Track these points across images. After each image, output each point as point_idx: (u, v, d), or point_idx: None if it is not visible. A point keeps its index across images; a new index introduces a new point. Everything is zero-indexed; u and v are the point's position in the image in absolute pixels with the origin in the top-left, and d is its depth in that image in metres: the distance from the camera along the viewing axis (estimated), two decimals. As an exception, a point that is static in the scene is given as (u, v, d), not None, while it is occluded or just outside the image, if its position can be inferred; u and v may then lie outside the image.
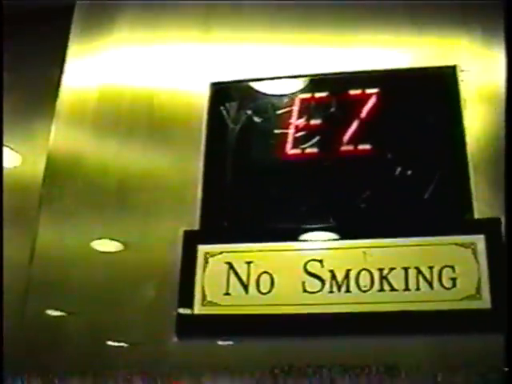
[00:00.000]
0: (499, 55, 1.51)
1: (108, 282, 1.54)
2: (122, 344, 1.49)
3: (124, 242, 1.57)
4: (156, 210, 1.58)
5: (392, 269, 1.40)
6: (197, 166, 1.58)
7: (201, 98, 1.66)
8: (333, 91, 1.59)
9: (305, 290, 1.41)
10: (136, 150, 1.67)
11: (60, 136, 1.73)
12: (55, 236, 1.63)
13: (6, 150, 1.87)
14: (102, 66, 1.79)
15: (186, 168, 1.60)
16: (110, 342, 1.49)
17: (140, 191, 1.61)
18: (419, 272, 1.39)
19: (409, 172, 1.48)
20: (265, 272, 1.44)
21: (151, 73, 1.75)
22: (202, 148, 1.60)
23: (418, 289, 1.38)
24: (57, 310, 1.56)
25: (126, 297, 1.52)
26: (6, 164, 1.86)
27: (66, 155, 1.71)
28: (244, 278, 1.44)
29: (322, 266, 1.42)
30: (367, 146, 1.52)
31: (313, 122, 1.57)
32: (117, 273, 1.55)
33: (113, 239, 1.58)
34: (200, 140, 1.61)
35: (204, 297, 1.44)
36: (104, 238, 1.59)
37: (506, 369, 1.16)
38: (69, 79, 1.80)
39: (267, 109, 1.61)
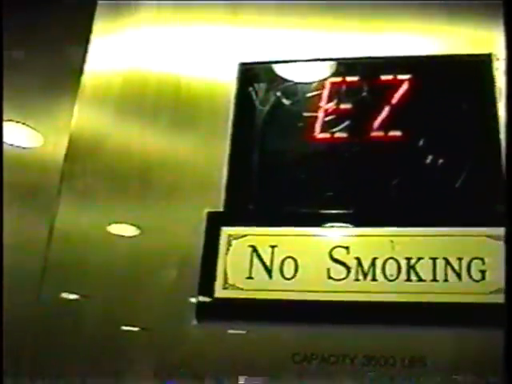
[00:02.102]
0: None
1: (128, 265, 1.51)
2: (139, 328, 1.46)
3: (146, 225, 1.54)
4: (180, 192, 1.55)
5: (420, 258, 1.37)
6: (223, 148, 1.55)
7: (229, 80, 1.62)
8: (364, 76, 1.55)
9: (330, 277, 1.38)
10: (161, 132, 1.64)
11: (83, 117, 1.70)
12: (74, 218, 1.60)
13: (27, 129, 1.85)
14: (127, 46, 1.76)
15: (211, 150, 1.57)
16: (127, 327, 1.46)
17: (164, 173, 1.58)
18: (447, 263, 1.35)
19: (440, 160, 1.45)
20: (289, 257, 1.40)
21: (178, 53, 1.71)
22: (229, 129, 1.56)
23: (445, 280, 1.34)
24: (73, 293, 1.53)
25: (146, 280, 1.48)
26: (26, 143, 1.84)
27: (89, 136, 1.68)
28: (268, 262, 1.41)
29: (348, 253, 1.39)
30: (398, 133, 1.49)
31: (343, 106, 1.53)
32: (137, 256, 1.52)
33: (134, 222, 1.55)
34: (227, 121, 1.57)
35: (226, 280, 1.41)
36: (125, 220, 1.56)
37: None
38: (93, 58, 1.77)
39: (297, 91, 1.57)
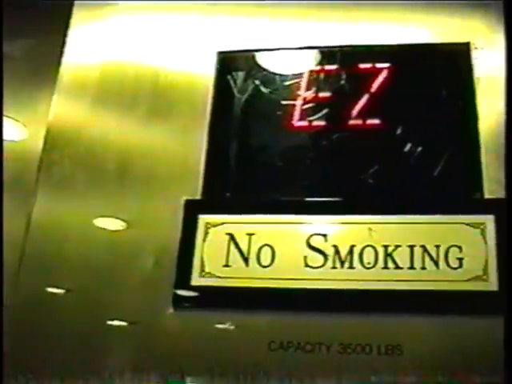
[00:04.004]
0: (514, 33, 1.47)
1: (105, 254, 1.50)
2: (117, 318, 1.45)
3: (123, 215, 1.52)
4: (158, 181, 1.54)
5: (397, 246, 1.36)
6: (201, 136, 1.54)
7: (207, 69, 1.62)
8: (343, 64, 1.55)
9: (307, 265, 1.37)
10: (139, 121, 1.62)
11: (61, 107, 1.69)
12: (52, 209, 1.59)
13: (6, 120, 1.83)
14: (105, 36, 1.75)
15: (189, 138, 1.55)
16: (107, 319, 1.45)
17: (142, 162, 1.57)
18: (425, 250, 1.35)
19: (418, 148, 1.44)
20: (266, 245, 1.40)
21: (156, 43, 1.70)
22: (207, 118, 1.56)
23: (423, 268, 1.34)
24: (51, 285, 1.51)
25: (123, 270, 1.47)
26: (6, 135, 1.82)
27: (67, 127, 1.67)
28: (245, 250, 1.40)
29: (326, 241, 1.38)
30: (376, 121, 1.48)
31: (321, 94, 1.53)
32: (114, 245, 1.51)
33: (112, 212, 1.54)
34: (205, 110, 1.57)
35: (203, 268, 1.40)
36: (103, 210, 1.55)
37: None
38: (71, 48, 1.76)
39: (275, 80, 1.57)
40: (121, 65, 1.70)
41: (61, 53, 1.75)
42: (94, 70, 1.71)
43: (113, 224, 1.54)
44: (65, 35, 1.77)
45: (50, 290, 1.50)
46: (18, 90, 1.85)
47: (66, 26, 1.77)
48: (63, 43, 1.76)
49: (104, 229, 1.55)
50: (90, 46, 1.74)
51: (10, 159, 1.75)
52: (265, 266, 1.38)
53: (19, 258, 1.53)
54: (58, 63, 1.74)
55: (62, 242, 1.53)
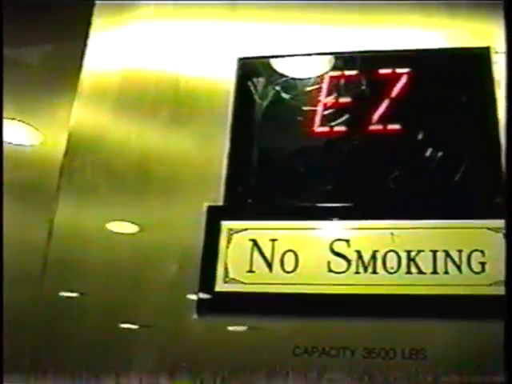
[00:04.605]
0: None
1: (129, 260, 1.51)
2: (140, 324, 1.45)
3: (146, 221, 1.53)
4: (180, 187, 1.55)
5: (420, 251, 1.37)
6: (222, 143, 1.55)
7: (228, 75, 1.62)
8: (363, 70, 1.55)
9: (330, 270, 1.38)
10: (160, 127, 1.63)
11: (82, 113, 1.70)
12: (73, 215, 1.59)
13: (25, 127, 1.84)
14: (126, 42, 1.76)
15: (211, 144, 1.56)
16: (128, 323, 1.46)
17: (164, 168, 1.58)
18: (448, 255, 1.36)
19: (439, 153, 1.45)
20: (289, 250, 1.40)
21: (177, 49, 1.71)
22: (228, 124, 1.56)
23: (446, 272, 1.35)
24: (73, 291, 1.52)
25: (146, 276, 1.48)
26: (25, 141, 1.84)
27: (88, 133, 1.68)
28: (268, 255, 1.41)
29: (349, 246, 1.39)
30: (397, 126, 1.49)
31: (342, 100, 1.54)
32: (138, 251, 1.51)
33: (134, 218, 1.54)
34: (226, 116, 1.57)
35: (226, 274, 1.41)
36: (125, 216, 1.56)
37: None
38: (92, 54, 1.77)
39: (296, 85, 1.57)
40: (142, 70, 1.71)
41: (81, 59, 1.76)
42: (114, 75, 1.72)
43: (135, 230, 1.54)
44: (85, 41, 1.78)
45: (74, 294, 1.51)
46: (38, 96, 1.87)
47: (87, 32, 1.78)
48: (84, 49, 1.77)
49: (126, 234, 1.56)
50: (110, 51, 1.75)
51: (31, 166, 1.77)
52: (288, 272, 1.39)
53: (42, 263, 1.54)
54: (79, 69, 1.75)
55: (85, 247, 1.54)
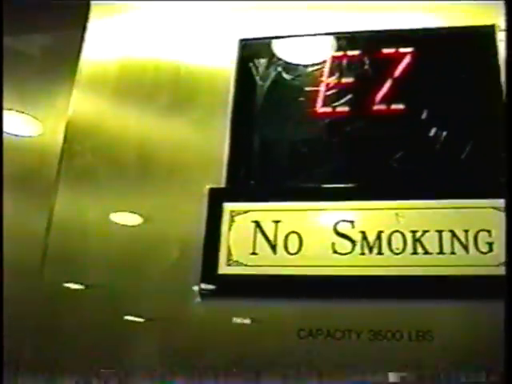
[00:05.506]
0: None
1: (131, 243, 1.49)
2: (144, 307, 1.44)
3: (148, 204, 1.52)
4: (181, 170, 1.53)
5: (426, 231, 1.35)
6: (224, 124, 1.53)
7: (228, 57, 1.60)
8: (366, 49, 1.53)
9: (335, 251, 1.36)
10: (161, 111, 1.61)
11: (81, 100, 1.68)
12: (72, 203, 1.57)
13: (24, 116, 1.83)
14: (124, 29, 1.74)
15: (212, 127, 1.55)
16: (134, 309, 1.44)
17: (165, 152, 1.56)
18: (454, 235, 1.33)
19: (444, 132, 1.43)
20: (293, 232, 1.38)
21: (177, 32, 1.69)
22: (229, 106, 1.54)
23: (452, 253, 1.32)
24: (75, 282, 1.50)
25: (149, 258, 1.46)
26: (24, 131, 1.82)
27: (87, 120, 1.66)
28: (271, 237, 1.39)
29: (353, 227, 1.37)
30: (400, 106, 1.47)
31: (344, 80, 1.52)
32: (140, 234, 1.50)
33: (136, 201, 1.53)
34: (227, 98, 1.55)
35: (229, 256, 1.39)
36: (127, 204, 1.54)
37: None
38: (90, 42, 1.75)
39: (298, 66, 1.56)
40: (141, 56, 1.69)
41: (80, 47, 1.74)
42: (113, 63, 1.70)
43: (137, 215, 1.52)
44: (83, 30, 1.76)
45: (74, 284, 1.49)
46: (36, 85, 1.85)
47: (85, 21, 1.77)
48: (82, 38, 1.75)
49: (128, 220, 1.54)
50: (109, 39, 1.73)
51: (29, 155, 1.75)
52: (292, 254, 1.37)
53: (42, 252, 1.52)
54: (78, 58, 1.73)
55: (85, 234, 1.53)
